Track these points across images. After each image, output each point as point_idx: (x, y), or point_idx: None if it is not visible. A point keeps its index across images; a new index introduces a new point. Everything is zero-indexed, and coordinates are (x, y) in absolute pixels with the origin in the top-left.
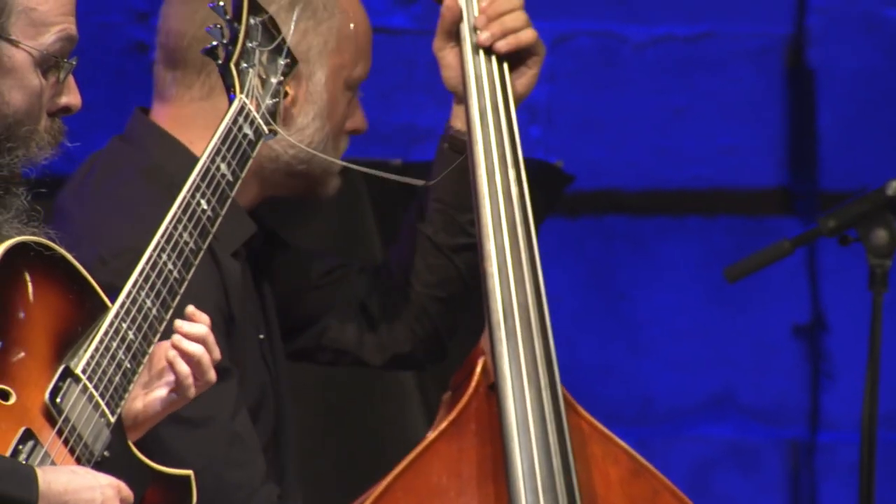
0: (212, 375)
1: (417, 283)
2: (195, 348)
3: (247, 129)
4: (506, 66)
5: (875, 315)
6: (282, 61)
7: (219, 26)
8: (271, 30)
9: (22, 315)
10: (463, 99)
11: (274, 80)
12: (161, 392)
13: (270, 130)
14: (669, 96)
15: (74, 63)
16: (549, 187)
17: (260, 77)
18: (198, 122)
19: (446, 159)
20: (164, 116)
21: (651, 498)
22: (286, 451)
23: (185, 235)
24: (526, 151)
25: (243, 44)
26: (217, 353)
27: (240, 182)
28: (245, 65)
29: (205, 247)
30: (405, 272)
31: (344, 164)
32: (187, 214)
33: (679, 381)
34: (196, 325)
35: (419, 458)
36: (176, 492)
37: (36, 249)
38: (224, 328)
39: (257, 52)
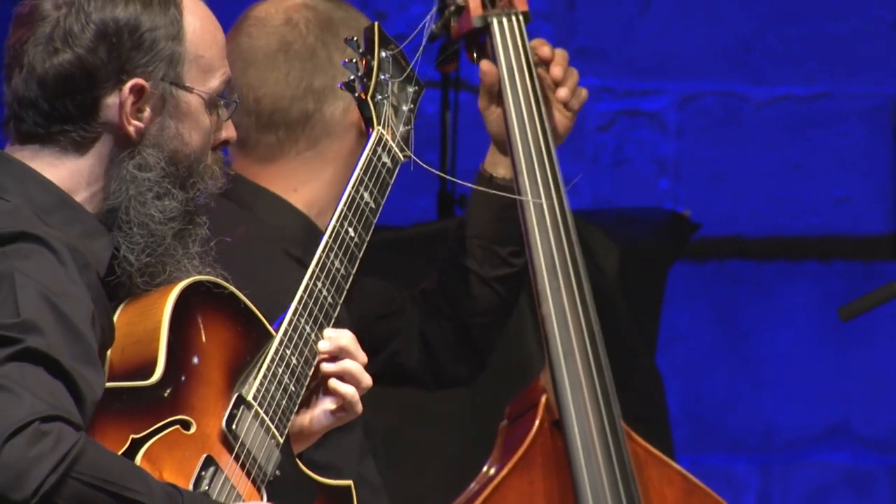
0: (367, 380)
1: (464, 312)
2: (347, 364)
3: (385, 158)
4: (547, 114)
5: None
6: (411, 89)
7: (353, 60)
8: (401, 61)
9: (198, 349)
10: (507, 149)
11: (405, 108)
12: (328, 407)
13: (405, 156)
14: (788, 151)
15: (238, 101)
16: (677, 235)
17: (392, 106)
18: (300, 171)
19: (486, 199)
20: (271, 176)
21: None
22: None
23: (336, 262)
24: (655, 202)
25: (377, 76)
26: (363, 356)
27: (381, 208)
28: (380, 96)
29: (353, 272)
30: (451, 302)
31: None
32: (337, 242)
33: (798, 412)
34: (336, 337)
35: (496, 492)
36: (339, 501)
37: (207, 286)
38: None
39: (390, 83)
